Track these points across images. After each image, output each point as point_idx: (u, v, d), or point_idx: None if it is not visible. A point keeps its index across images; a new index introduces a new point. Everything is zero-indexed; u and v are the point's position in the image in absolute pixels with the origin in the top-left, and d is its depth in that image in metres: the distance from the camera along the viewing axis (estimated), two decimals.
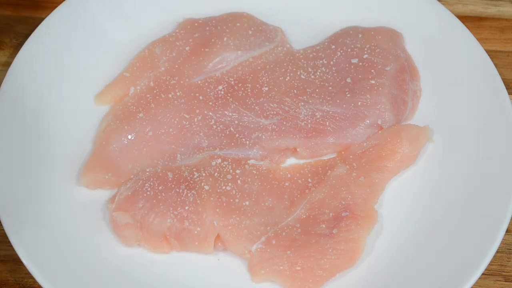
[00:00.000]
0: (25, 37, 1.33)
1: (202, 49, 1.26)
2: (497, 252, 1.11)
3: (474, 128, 1.18)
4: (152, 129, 1.18)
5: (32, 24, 1.37)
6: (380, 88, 1.20)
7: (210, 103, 1.21)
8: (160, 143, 1.18)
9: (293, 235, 1.08)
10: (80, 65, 1.26)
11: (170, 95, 1.21)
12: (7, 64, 1.31)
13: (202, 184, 1.11)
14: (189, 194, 1.10)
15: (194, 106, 1.21)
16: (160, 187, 1.10)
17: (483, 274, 1.07)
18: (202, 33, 1.28)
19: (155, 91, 1.22)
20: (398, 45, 1.27)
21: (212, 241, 1.08)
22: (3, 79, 1.20)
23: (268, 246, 1.07)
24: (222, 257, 1.10)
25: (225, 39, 1.27)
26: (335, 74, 1.24)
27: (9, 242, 1.06)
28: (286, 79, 1.24)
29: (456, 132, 1.19)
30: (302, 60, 1.26)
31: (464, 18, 1.37)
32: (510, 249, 1.15)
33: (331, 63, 1.25)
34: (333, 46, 1.27)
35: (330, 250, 1.06)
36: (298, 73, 1.24)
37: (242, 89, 1.23)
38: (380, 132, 1.19)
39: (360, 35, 1.27)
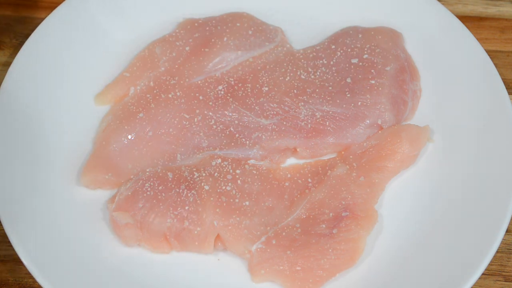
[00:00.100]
0: (25, 37, 1.33)
1: (202, 49, 1.26)
2: (497, 252, 1.11)
3: (474, 128, 1.18)
4: (152, 129, 1.18)
5: (32, 24, 1.37)
6: (380, 88, 1.20)
7: (210, 103, 1.21)
8: (160, 143, 1.18)
9: (293, 235, 1.08)
10: (80, 65, 1.26)
11: (170, 95, 1.21)
12: (7, 64, 1.31)
13: (202, 184, 1.11)
14: (189, 194, 1.10)
15: (194, 106, 1.21)
16: (160, 187, 1.10)
17: (483, 274, 1.07)
18: (202, 33, 1.28)
19: (155, 91, 1.22)
20: (398, 45, 1.27)
21: (212, 241, 1.08)
22: (3, 79, 1.20)
23: (268, 246, 1.07)
24: (222, 257, 1.10)
25: (225, 39, 1.27)
26: (335, 74, 1.24)
27: (9, 242, 1.06)
28: (286, 79, 1.24)
29: (456, 132, 1.19)
30: (302, 60, 1.26)
31: (464, 18, 1.37)
32: (510, 249, 1.15)
33: (331, 63, 1.25)
34: (333, 46, 1.27)
35: (330, 250, 1.06)
36: (298, 73, 1.24)
37: (242, 89, 1.23)
38: (380, 132, 1.19)
39: (360, 35, 1.27)
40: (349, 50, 1.25)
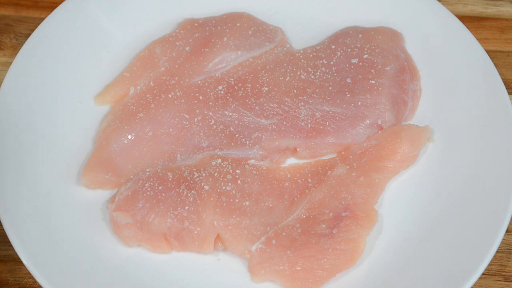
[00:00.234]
0: (25, 37, 1.34)
1: (202, 49, 1.26)
2: (497, 252, 1.11)
3: (474, 128, 1.18)
4: (152, 129, 1.18)
5: (32, 24, 1.37)
6: (380, 88, 1.20)
7: (210, 103, 1.21)
8: (160, 143, 1.18)
9: (293, 235, 1.08)
10: (80, 65, 1.26)
11: (170, 95, 1.21)
12: (7, 64, 1.31)
13: (202, 184, 1.11)
14: (189, 194, 1.10)
15: (194, 106, 1.21)
16: (160, 187, 1.10)
17: (483, 274, 1.07)
18: (202, 33, 1.28)
19: (155, 91, 1.22)
20: (398, 45, 1.27)
21: (212, 241, 1.08)
22: (3, 79, 1.20)
23: (268, 246, 1.07)
24: (222, 257, 1.10)
25: (225, 39, 1.27)
26: (335, 74, 1.24)
27: (9, 242, 1.06)
28: (286, 79, 1.24)
29: (456, 132, 1.19)
30: (302, 60, 1.26)
31: (464, 18, 1.37)
32: (510, 249, 1.15)
33: (331, 63, 1.25)
34: (333, 46, 1.27)
35: (330, 250, 1.06)
36: (298, 73, 1.24)
37: (242, 89, 1.23)
38: (380, 132, 1.19)
39: (360, 35, 1.27)
40: (349, 50, 1.25)
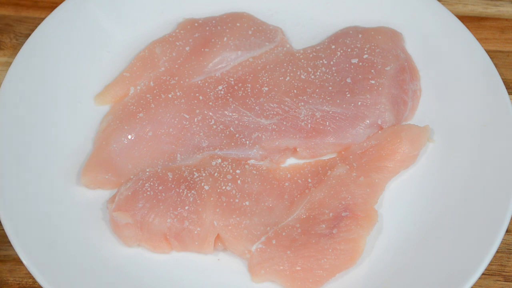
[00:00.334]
0: (25, 37, 1.34)
1: (202, 49, 1.26)
2: (497, 252, 1.11)
3: (474, 128, 1.18)
4: (152, 129, 1.18)
5: (32, 24, 1.37)
6: (380, 88, 1.20)
7: (210, 103, 1.21)
8: (160, 143, 1.18)
9: (293, 235, 1.08)
10: (80, 65, 1.26)
11: (170, 95, 1.21)
12: (7, 64, 1.31)
13: (202, 184, 1.11)
14: (189, 194, 1.10)
15: (194, 106, 1.21)
16: (160, 187, 1.10)
17: (483, 274, 1.07)
18: (202, 33, 1.28)
19: (155, 91, 1.22)
20: (398, 45, 1.27)
21: (212, 241, 1.08)
22: (3, 79, 1.20)
23: (268, 246, 1.07)
24: (222, 257, 1.10)
25: (225, 39, 1.27)
26: (335, 74, 1.24)
27: (9, 242, 1.06)
28: (286, 79, 1.24)
29: (456, 132, 1.19)
30: (302, 60, 1.26)
31: (464, 18, 1.37)
32: (510, 249, 1.15)
33: (331, 63, 1.25)
34: (333, 46, 1.27)
35: (330, 250, 1.06)
36: (298, 73, 1.24)
37: (242, 89, 1.23)
38: (380, 132, 1.19)
39: (360, 35, 1.27)
40: (349, 50, 1.25)
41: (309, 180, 1.15)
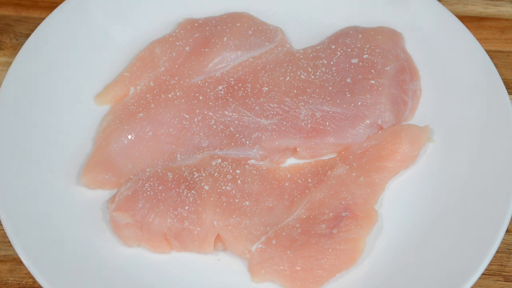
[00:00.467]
0: (25, 37, 1.34)
1: (202, 49, 1.26)
2: (497, 252, 1.11)
3: (474, 128, 1.18)
4: (152, 129, 1.18)
5: (32, 24, 1.37)
6: (380, 88, 1.20)
7: (210, 103, 1.21)
8: (160, 143, 1.18)
9: (293, 235, 1.08)
10: (80, 65, 1.26)
11: (170, 95, 1.21)
12: (7, 64, 1.31)
13: (202, 184, 1.11)
14: (189, 194, 1.10)
15: (194, 106, 1.21)
16: (160, 187, 1.10)
17: (483, 274, 1.07)
18: (202, 33, 1.28)
19: (155, 91, 1.22)
20: (398, 45, 1.27)
21: (212, 241, 1.08)
22: (3, 79, 1.20)
23: (268, 246, 1.07)
24: (222, 257, 1.10)
25: (225, 39, 1.27)
26: (335, 74, 1.24)
27: (9, 242, 1.06)
28: (286, 79, 1.24)
29: (456, 132, 1.19)
30: (302, 60, 1.26)
31: (464, 18, 1.37)
32: (510, 249, 1.15)
33: (331, 63, 1.25)
34: (333, 46, 1.27)
35: (330, 250, 1.06)
36: (298, 73, 1.24)
37: (242, 89, 1.23)
38: (380, 132, 1.19)
39: (360, 35, 1.27)
40: (349, 50, 1.25)
41: (309, 180, 1.15)
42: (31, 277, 1.08)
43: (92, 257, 1.07)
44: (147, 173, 1.12)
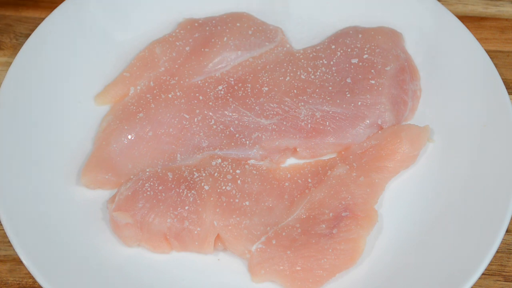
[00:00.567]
0: (25, 37, 1.34)
1: (202, 49, 1.26)
2: (497, 252, 1.11)
3: (474, 128, 1.18)
4: (152, 129, 1.18)
5: (32, 24, 1.37)
6: (380, 88, 1.20)
7: (210, 103, 1.21)
8: (160, 143, 1.18)
9: (293, 235, 1.08)
10: (80, 65, 1.26)
11: (170, 95, 1.21)
12: (7, 64, 1.31)
13: (202, 184, 1.11)
14: (189, 194, 1.10)
15: (194, 106, 1.21)
16: (160, 187, 1.10)
17: (483, 274, 1.07)
18: (202, 33, 1.28)
19: (155, 91, 1.22)
20: (398, 45, 1.27)
21: (212, 241, 1.08)
22: (3, 79, 1.20)
23: (268, 246, 1.07)
24: (222, 257, 1.10)
25: (225, 39, 1.27)
26: (335, 74, 1.24)
27: (9, 242, 1.06)
28: (286, 79, 1.24)
29: (456, 132, 1.19)
30: (302, 60, 1.26)
31: (464, 18, 1.37)
32: (510, 249, 1.15)
33: (331, 63, 1.25)
34: (333, 46, 1.27)
35: (330, 250, 1.06)
36: (298, 73, 1.24)
37: (242, 89, 1.23)
38: (380, 132, 1.19)
39: (360, 35, 1.27)
40: (349, 50, 1.25)
41: (309, 180, 1.15)
42: (31, 277, 1.08)
43: (92, 257, 1.07)
44: (147, 173, 1.12)
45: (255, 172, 1.15)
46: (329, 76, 1.23)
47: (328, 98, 1.21)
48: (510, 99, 1.19)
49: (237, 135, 1.18)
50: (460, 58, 1.26)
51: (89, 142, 1.19)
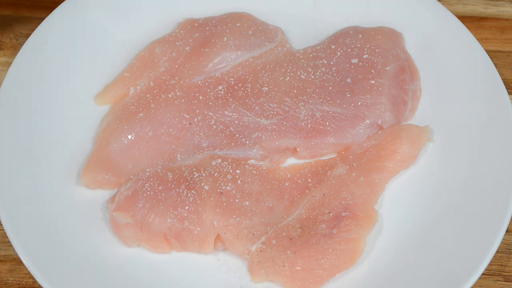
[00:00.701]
0: (25, 37, 1.34)
1: (202, 49, 1.26)
2: (497, 252, 1.11)
3: (474, 128, 1.18)
4: (152, 129, 1.18)
5: (32, 24, 1.37)
6: (380, 88, 1.20)
7: (210, 103, 1.21)
8: (160, 143, 1.18)
9: (293, 235, 1.08)
10: (80, 65, 1.26)
11: (170, 95, 1.21)
12: (7, 64, 1.31)
13: (202, 184, 1.11)
14: (189, 194, 1.10)
15: (194, 106, 1.21)
16: (160, 187, 1.10)
17: (483, 274, 1.07)
18: (202, 33, 1.28)
19: (155, 91, 1.22)
20: (398, 45, 1.27)
21: (212, 241, 1.08)
22: (3, 79, 1.20)
23: (268, 246, 1.07)
24: (222, 257, 1.10)
25: (225, 39, 1.27)
26: (335, 74, 1.24)
27: (9, 242, 1.06)
28: (286, 79, 1.24)
29: (456, 132, 1.19)
30: (302, 60, 1.26)
31: (464, 18, 1.37)
32: (510, 249, 1.15)
33: (331, 63, 1.25)
34: (333, 46, 1.27)
35: (330, 250, 1.06)
36: (298, 73, 1.24)
37: (242, 89, 1.23)
38: (380, 132, 1.19)
39: (360, 35, 1.27)
40: (349, 50, 1.25)
41: (309, 180, 1.15)
42: (31, 277, 1.08)
43: (92, 257, 1.07)
44: (147, 173, 1.12)
45: (255, 172, 1.15)
46: (329, 76, 1.24)
47: (328, 98, 1.21)
48: (510, 99, 1.19)
49: (237, 135, 1.18)
50: (460, 58, 1.26)
51: (89, 142, 1.19)
